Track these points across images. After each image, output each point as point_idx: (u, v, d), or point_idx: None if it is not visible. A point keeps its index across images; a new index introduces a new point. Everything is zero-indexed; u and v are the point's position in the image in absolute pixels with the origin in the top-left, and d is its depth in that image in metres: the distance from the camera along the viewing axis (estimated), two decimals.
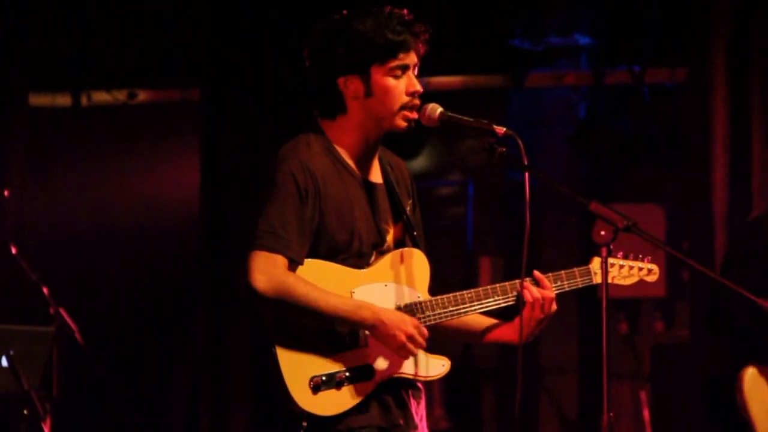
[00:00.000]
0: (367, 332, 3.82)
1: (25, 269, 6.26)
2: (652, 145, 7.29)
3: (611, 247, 3.82)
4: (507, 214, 8.42)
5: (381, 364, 3.86)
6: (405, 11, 3.88)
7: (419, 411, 3.99)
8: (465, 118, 3.89)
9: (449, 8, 7.18)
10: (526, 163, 3.81)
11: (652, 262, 4.22)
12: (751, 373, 5.11)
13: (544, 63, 7.94)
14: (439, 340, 4.04)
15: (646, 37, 7.50)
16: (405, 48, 3.85)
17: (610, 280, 4.08)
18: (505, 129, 3.83)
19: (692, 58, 6.95)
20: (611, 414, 3.69)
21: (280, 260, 3.73)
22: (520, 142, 3.79)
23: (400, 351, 3.83)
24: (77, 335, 6.17)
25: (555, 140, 8.03)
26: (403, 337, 3.80)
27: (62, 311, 6.19)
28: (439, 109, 3.90)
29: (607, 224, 3.74)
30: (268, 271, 3.70)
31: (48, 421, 5.95)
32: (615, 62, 7.73)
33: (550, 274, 4.02)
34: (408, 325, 3.81)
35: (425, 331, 3.86)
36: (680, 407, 6.90)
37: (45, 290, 6.22)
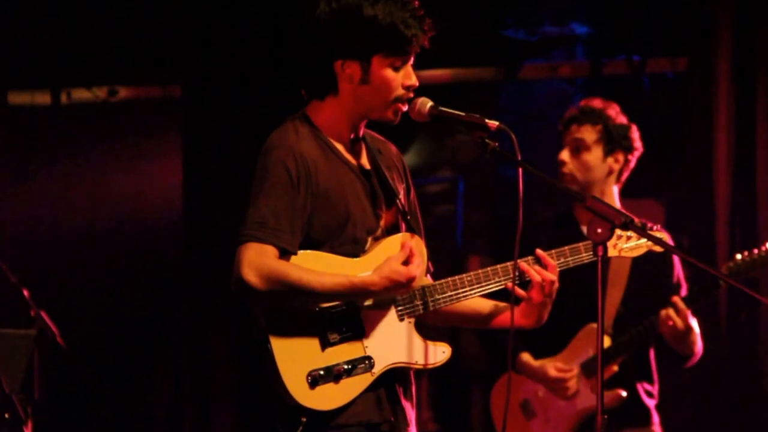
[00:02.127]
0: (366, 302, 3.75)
1: (5, 271, 6.17)
2: (652, 139, 7.21)
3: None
4: (498, 212, 8.35)
5: (380, 354, 3.77)
6: (416, 3, 3.78)
7: (410, 414, 3.90)
8: (456, 112, 3.81)
9: None
10: (519, 158, 3.73)
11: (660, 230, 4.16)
12: (496, 387, 5.64)
13: (538, 54, 7.84)
14: (438, 323, 4.01)
15: (645, 24, 7.38)
16: (413, 43, 3.76)
17: (617, 253, 4.01)
18: (497, 123, 3.75)
19: (695, 46, 6.80)
20: (605, 416, 3.58)
21: (271, 250, 3.65)
22: (513, 137, 3.71)
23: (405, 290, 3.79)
24: (58, 338, 6.09)
25: (549, 134, 7.95)
26: (401, 288, 3.75)
27: (43, 314, 6.11)
28: (429, 104, 3.83)
29: (603, 221, 3.61)
30: (258, 262, 3.61)
31: (30, 425, 5.85)
32: (613, 52, 7.59)
33: (553, 251, 3.95)
34: (394, 273, 3.73)
35: (402, 268, 3.76)
36: (679, 407, 6.86)
37: (25, 292, 6.12)
